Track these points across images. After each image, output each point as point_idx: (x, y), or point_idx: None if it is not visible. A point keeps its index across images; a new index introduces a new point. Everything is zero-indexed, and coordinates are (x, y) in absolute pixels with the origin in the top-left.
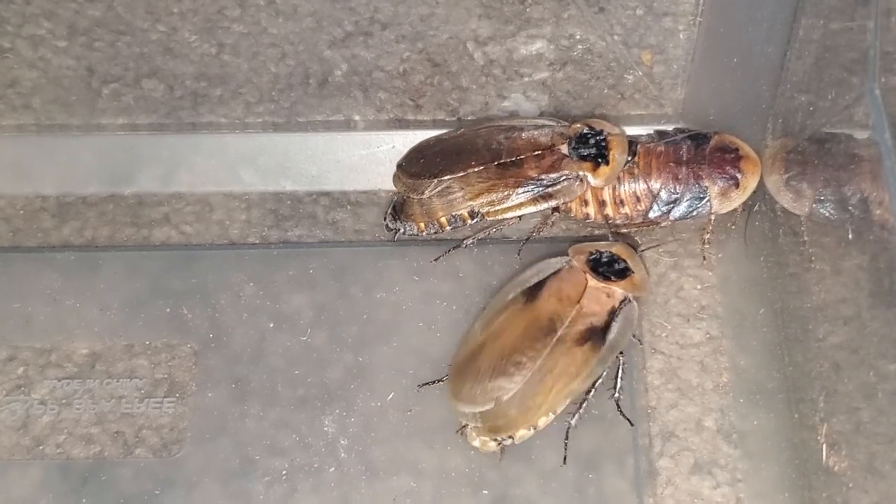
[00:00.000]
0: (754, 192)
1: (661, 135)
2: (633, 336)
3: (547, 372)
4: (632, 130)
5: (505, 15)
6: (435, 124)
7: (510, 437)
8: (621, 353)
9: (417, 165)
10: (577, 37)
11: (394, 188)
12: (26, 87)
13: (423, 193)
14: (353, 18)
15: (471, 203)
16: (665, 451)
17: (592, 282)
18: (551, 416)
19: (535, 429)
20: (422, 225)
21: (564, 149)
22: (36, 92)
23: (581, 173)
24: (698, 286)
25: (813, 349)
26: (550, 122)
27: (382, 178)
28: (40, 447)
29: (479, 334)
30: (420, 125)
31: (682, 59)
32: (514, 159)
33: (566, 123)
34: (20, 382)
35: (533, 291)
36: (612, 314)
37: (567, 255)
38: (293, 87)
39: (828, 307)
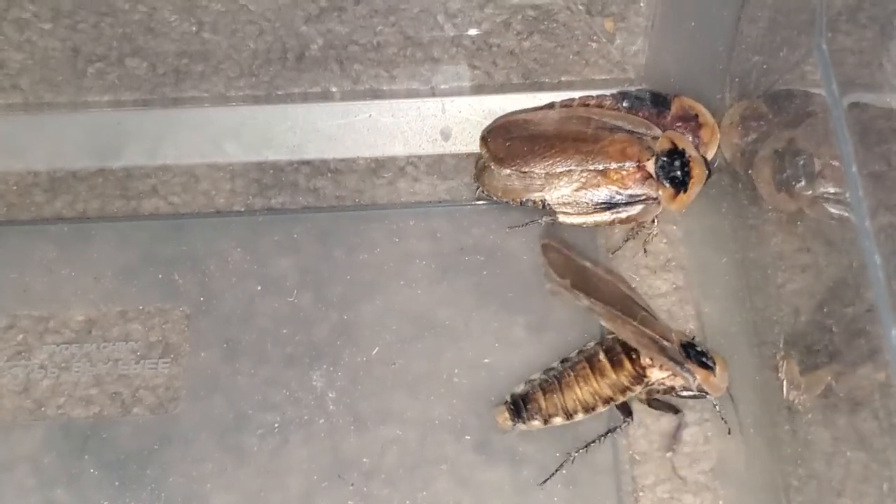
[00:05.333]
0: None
1: (623, 95)
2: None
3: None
4: (596, 93)
5: None
6: (409, 94)
7: (537, 419)
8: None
9: (503, 148)
10: (543, 7)
11: (367, 156)
12: (14, 69)
13: (503, 171)
14: None
15: (547, 198)
16: None
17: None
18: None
19: (547, 422)
20: (500, 194)
21: (650, 166)
22: (23, 73)
23: (659, 194)
24: (664, 240)
25: (773, 295)
26: (641, 129)
27: (360, 146)
28: (42, 409)
29: None
30: (395, 94)
31: (642, 26)
32: (600, 168)
33: (657, 133)
34: (20, 349)
35: None
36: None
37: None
38: (272, 61)
39: (786, 256)
